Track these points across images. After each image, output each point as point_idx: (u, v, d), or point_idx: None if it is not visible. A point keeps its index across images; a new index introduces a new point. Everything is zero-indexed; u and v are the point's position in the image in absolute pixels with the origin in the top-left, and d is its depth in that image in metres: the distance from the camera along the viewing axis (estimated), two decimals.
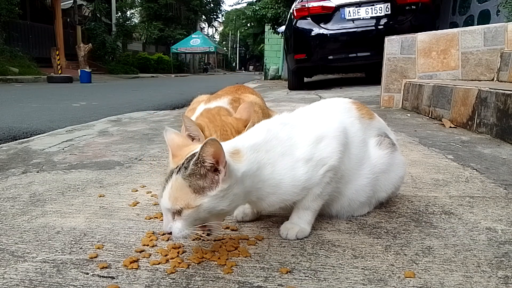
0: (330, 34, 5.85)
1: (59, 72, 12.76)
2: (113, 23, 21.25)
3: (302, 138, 0.93)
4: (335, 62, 6.11)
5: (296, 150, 0.91)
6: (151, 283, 0.75)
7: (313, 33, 5.92)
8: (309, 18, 5.95)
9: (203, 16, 40.52)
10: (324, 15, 5.86)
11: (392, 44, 3.77)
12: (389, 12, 5.62)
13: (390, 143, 1.08)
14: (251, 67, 55.21)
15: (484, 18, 5.92)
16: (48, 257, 0.86)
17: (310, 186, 0.92)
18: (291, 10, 6.67)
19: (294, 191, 0.91)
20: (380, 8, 5.64)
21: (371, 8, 5.67)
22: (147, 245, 0.90)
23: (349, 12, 5.76)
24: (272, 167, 0.89)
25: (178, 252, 0.86)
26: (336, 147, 0.93)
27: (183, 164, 0.80)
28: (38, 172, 1.58)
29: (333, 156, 0.92)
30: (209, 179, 0.78)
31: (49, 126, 3.26)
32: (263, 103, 1.62)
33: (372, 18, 5.68)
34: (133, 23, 25.62)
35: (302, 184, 0.90)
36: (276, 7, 11.49)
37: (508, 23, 3.42)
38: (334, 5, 5.80)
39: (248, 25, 28.28)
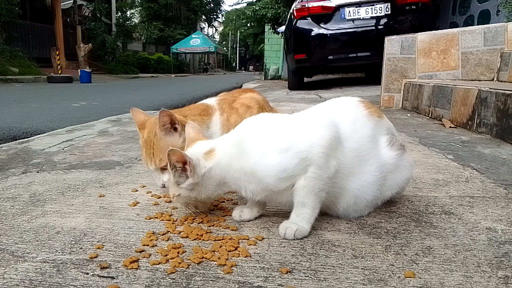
0: (330, 34, 5.85)
1: (59, 72, 12.75)
2: (113, 23, 21.25)
3: (282, 131, 0.97)
4: (335, 62, 6.12)
5: (272, 141, 0.94)
6: (151, 283, 0.75)
7: (313, 33, 5.93)
8: (309, 18, 5.95)
9: (203, 16, 40.53)
10: (324, 15, 5.87)
11: (392, 44, 3.77)
12: (389, 12, 5.62)
13: (401, 144, 1.09)
14: (251, 67, 55.20)
15: (484, 18, 5.92)
16: (48, 257, 0.86)
17: (288, 176, 0.92)
18: (291, 10, 6.67)
19: (269, 181, 0.93)
20: (380, 8, 5.64)
21: (371, 8, 5.68)
22: (147, 245, 0.90)
23: (349, 12, 5.76)
24: (246, 157, 0.95)
25: (178, 252, 0.86)
26: (319, 142, 0.93)
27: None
28: (38, 172, 1.58)
29: (313, 151, 0.92)
30: (183, 176, 0.99)
31: (49, 126, 3.26)
32: (264, 101, 1.60)
33: (372, 18, 5.68)
34: (133, 23, 25.61)
35: (276, 173, 0.92)
36: (276, 7, 11.50)
37: (508, 23, 3.42)
38: (334, 5, 5.80)
39: (248, 25, 28.28)
